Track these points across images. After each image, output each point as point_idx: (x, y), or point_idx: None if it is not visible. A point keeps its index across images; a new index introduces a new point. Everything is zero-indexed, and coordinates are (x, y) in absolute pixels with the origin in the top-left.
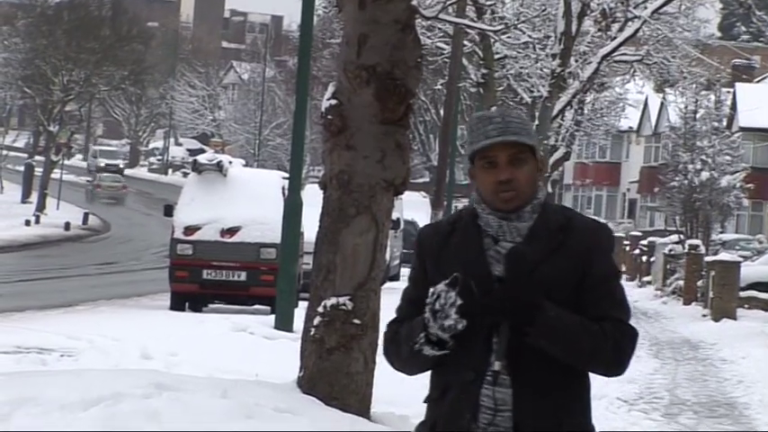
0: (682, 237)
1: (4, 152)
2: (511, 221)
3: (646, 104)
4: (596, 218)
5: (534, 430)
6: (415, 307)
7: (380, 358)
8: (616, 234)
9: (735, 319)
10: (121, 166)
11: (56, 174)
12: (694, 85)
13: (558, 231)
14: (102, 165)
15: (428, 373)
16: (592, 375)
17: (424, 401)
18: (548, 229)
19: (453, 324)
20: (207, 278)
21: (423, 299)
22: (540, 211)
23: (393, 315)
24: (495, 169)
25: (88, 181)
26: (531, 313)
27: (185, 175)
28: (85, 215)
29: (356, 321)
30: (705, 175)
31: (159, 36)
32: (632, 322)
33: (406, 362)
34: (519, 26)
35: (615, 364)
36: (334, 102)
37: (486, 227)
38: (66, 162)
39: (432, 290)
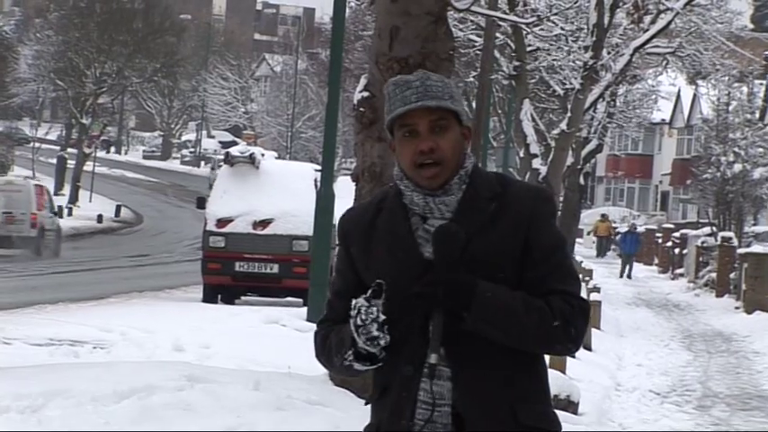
0: (714, 229)
1: (37, 144)
2: (437, 197)
3: (678, 96)
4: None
5: (480, 424)
6: (343, 300)
7: None
8: (649, 227)
9: (767, 311)
10: None
11: (88, 166)
12: (727, 77)
13: (490, 201)
14: None
15: None
16: (629, 371)
17: (366, 404)
18: (479, 200)
19: (377, 339)
20: (239, 270)
21: (350, 290)
22: (468, 182)
23: None
24: (416, 139)
25: None
26: (466, 297)
27: (217, 167)
28: (118, 207)
29: None
30: (738, 167)
31: (192, 28)
32: (665, 314)
33: (339, 371)
34: (551, 18)
35: (566, 341)
36: (366, 94)
37: (411, 205)
38: (100, 155)
39: (353, 302)
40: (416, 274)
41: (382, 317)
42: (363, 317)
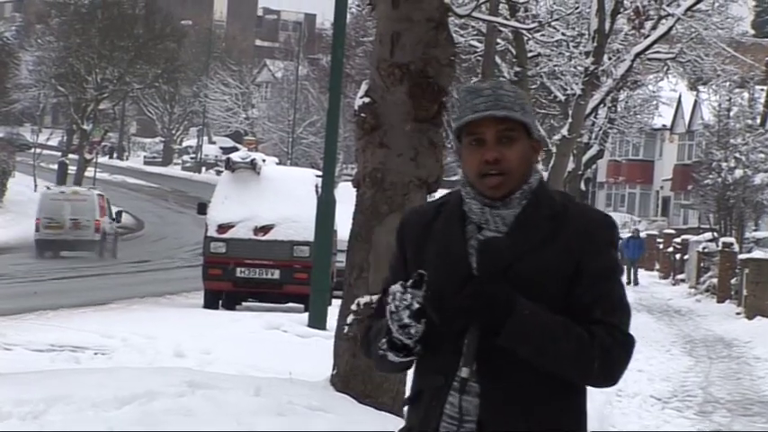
0: (715, 234)
1: (38, 150)
2: (496, 208)
3: (679, 102)
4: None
5: None
6: None
7: None
8: (650, 232)
9: None
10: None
11: (89, 172)
12: (728, 83)
13: (548, 220)
14: None
15: None
16: (630, 376)
17: (403, 405)
18: (537, 218)
19: (408, 327)
20: (240, 276)
21: None
22: (530, 198)
23: None
24: (482, 148)
25: None
26: (503, 312)
27: (219, 173)
28: (119, 213)
29: None
30: (739, 172)
31: (192, 34)
32: (666, 320)
33: (377, 363)
34: (552, 24)
35: (603, 374)
36: (367, 100)
37: (469, 213)
38: (101, 160)
39: (390, 288)
40: (460, 283)
41: (416, 305)
42: (397, 303)
